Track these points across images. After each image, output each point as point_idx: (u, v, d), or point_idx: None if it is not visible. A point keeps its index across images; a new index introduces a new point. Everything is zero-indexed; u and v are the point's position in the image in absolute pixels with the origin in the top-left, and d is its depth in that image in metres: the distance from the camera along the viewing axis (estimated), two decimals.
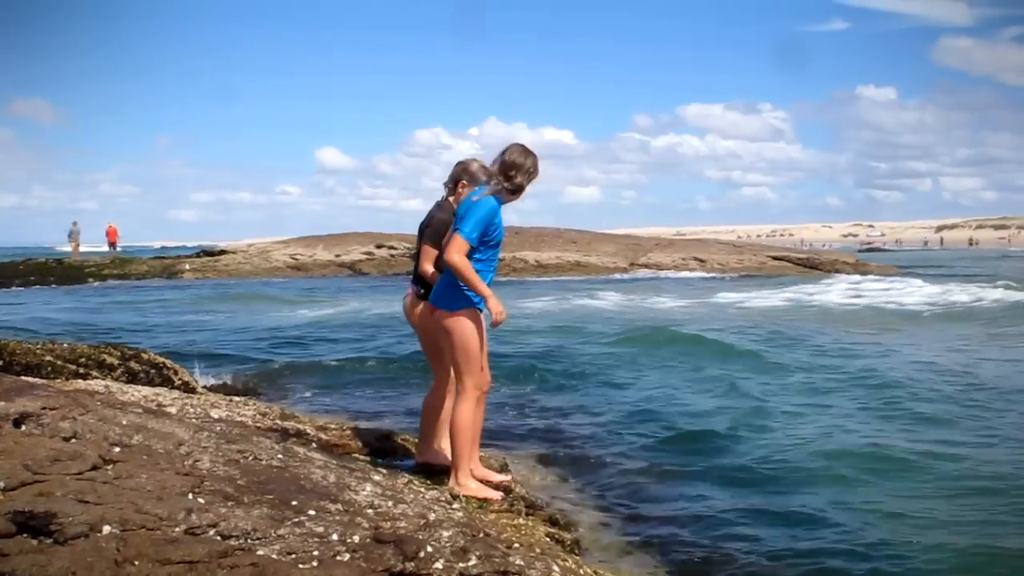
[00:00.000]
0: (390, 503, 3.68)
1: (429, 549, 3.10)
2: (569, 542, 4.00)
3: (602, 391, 9.93)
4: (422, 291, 4.91)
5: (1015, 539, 5.03)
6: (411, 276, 5.10)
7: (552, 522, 4.23)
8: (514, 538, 3.50)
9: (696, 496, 5.99)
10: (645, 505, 5.81)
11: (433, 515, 3.55)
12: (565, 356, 12.46)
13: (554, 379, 10.61)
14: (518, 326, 16.08)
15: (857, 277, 32.07)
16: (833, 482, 6.29)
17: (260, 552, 2.85)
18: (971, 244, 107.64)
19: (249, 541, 2.91)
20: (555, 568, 3.19)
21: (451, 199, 4.98)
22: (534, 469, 6.43)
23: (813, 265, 39.17)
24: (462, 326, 4.45)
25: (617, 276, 34.82)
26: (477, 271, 4.43)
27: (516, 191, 4.52)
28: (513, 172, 4.48)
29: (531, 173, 4.53)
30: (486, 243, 4.49)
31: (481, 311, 4.55)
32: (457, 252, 4.39)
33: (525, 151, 4.53)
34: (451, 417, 4.58)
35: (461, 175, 4.95)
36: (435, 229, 4.88)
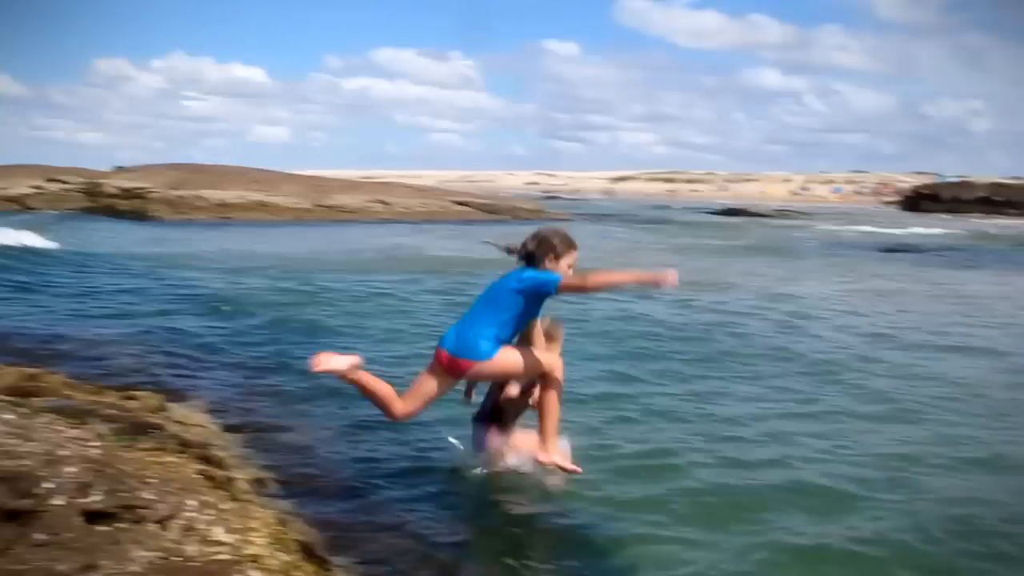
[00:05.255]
0: (18, 441, 3.44)
1: (50, 486, 2.96)
2: (221, 479, 3.96)
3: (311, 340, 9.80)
4: None
5: None
6: None
7: (206, 460, 4.16)
8: (153, 474, 3.42)
9: (384, 450, 6.11)
10: (315, 452, 5.85)
11: (64, 452, 3.37)
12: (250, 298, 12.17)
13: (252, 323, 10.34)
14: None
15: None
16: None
17: None
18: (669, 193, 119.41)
19: None
20: (189, 502, 3.17)
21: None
22: (209, 414, 6.26)
23: (494, 211, 41.20)
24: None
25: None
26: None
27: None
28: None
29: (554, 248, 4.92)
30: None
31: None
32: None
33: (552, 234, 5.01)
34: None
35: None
36: None
